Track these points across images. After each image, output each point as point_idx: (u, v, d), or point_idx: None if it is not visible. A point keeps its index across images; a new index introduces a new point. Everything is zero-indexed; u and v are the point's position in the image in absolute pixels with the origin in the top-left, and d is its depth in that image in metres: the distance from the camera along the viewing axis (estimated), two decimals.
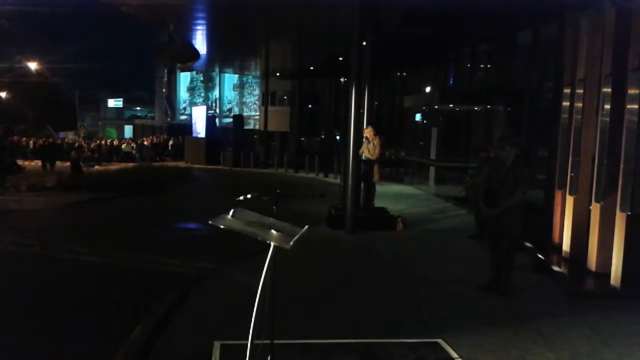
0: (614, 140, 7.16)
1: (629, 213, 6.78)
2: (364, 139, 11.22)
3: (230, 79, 55.80)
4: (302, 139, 35.44)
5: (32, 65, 38.86)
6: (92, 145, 37.21)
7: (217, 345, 4.45)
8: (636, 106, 6.70)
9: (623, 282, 6.84)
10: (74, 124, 54.96)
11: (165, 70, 57.01)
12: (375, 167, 11.42)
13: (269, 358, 4.00)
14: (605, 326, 5.67)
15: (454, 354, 4.43)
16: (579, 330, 5.55)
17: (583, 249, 7.91)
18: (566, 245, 8.55)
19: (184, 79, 58.92)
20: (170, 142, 38.44)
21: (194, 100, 56.87)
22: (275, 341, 4.05)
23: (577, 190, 8.36)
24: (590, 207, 7.81)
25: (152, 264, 8.34)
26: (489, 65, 17.88)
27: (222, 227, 3.76)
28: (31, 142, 36.93)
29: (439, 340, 4.73)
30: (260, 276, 3.70)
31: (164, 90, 58.96)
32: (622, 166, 6.92)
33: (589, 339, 5.32)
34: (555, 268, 8.05)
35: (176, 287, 6.86)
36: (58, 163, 27.37)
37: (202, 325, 5.53)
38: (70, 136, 49.65)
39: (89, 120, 67.39)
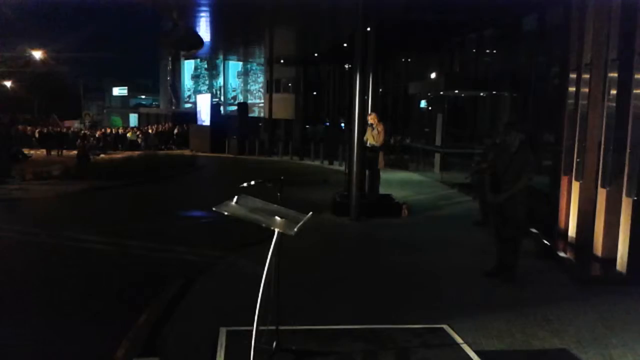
0: (620, 125, 7.11)
1: (635, 198, 6.75)
2: (368, 126, 11.19)
3: (235, 66, 55.80)
4: (307, 126, 35.38)
5: (37, 55, 38.83)
6: (97, 134, 37.29)
7: (223, 331, 4.46)
8: None
9: (629, 268, 6.82)
10: (79, 113, 55.09)
11: (170, 58, 56.97)
12: (380, 154, 11.39)
13: (274, 344, 4.02)
14: (611, 311, 5.67)
15: (459, 339, 4.43)
16: (585, 316, 5.55)
17: (589, 234, 7.89)
18: (572, 231, 8.53)
19: (188, 66, 58.90)
20: (175, 131, 38.44)
21: (199, 88, 56.89)
22: (281, 327, 4.07)
23: (583, 176, 8.32)
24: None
25: (158, 251, 8.38)
26: (494, 51, 17.77)
27: (226, 213, 3.76)
28: (37, 131, 37.05)
29: (444, 326, 4.74)
30: (265, 263, 3.71)
31: (168, 78, 58.95)
32: (628, 151, 6.88)
33: (594, 325, 5.32)
34: (561, 254, 8.03)
35: (182, 274, 6.90)
36: (64, 152, 27.49)
37: (208, 311, 5.56)
38: (75, 125, 49.78)
39: (94, 108, 67.59)
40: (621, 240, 6.99)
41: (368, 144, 11.11)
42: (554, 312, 5.60)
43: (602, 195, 7.52)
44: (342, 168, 18.98)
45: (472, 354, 4.15)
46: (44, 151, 30.16)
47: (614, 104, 7.25)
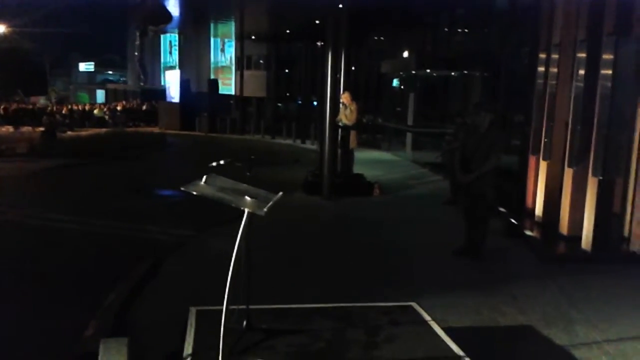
0: (587, 106, 7.22)
1: (601, 178, 6.88)
2: (341, 105, 11.14)
3: None
4: (279, 104, 35.10)
5: (0, 29, 37.67)
6: (63, 111, 36.44)
7: (192, 311, 4.43)
8: (610, 72, 6.73)
9: (594, 246, 6.98)
10: (45, 89, 53.62)
11: (138, 34, 55.61)
12: (353, 134, 11.37)
13: (244, 323, 4.01)
14: (576, 289, 5.80)
15: (426, 317, 4.48)
16: (550, 293, 5.67)
17: (555, 213, 8.04)
18: (539, 210, 8.68)
19: (157, 42, 57.59)
20: (144, 107, 37.79)
21: (168, 64, 55.70)
22: (251, 306, 4.06)
23: (551, 156, 8.45)
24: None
25: (127, 230, 8.28)
26: (466, 30, 17.82)
27: (195, 193, 3.71)
28: (1, 107, 36.05)
29: (412, 304, 4.78)
30: (235, 242, 3.68)
31: (136, 53, 57.63)
32: (595, 132, 6.99)
33: (559, 302, 5.44)
34: (528, 232, 8.19)
35: (152, 253, 6.83)
36: (30, 129, 26.85)
37: (178, 291, 5.52)
38: (41, 101, 48.54)
39: (60, 84, 65.86)
40: (586, 219, 7.14)
41: (341, 124, 11.07)
42: (520, 290, 5.71)
43: (568, 174, 7.66)
44: (315, 147, 18.95)
45: (439, 330, 4.20)
46: (9, 128, 29.41)
47: (582, 84, 7.34)
